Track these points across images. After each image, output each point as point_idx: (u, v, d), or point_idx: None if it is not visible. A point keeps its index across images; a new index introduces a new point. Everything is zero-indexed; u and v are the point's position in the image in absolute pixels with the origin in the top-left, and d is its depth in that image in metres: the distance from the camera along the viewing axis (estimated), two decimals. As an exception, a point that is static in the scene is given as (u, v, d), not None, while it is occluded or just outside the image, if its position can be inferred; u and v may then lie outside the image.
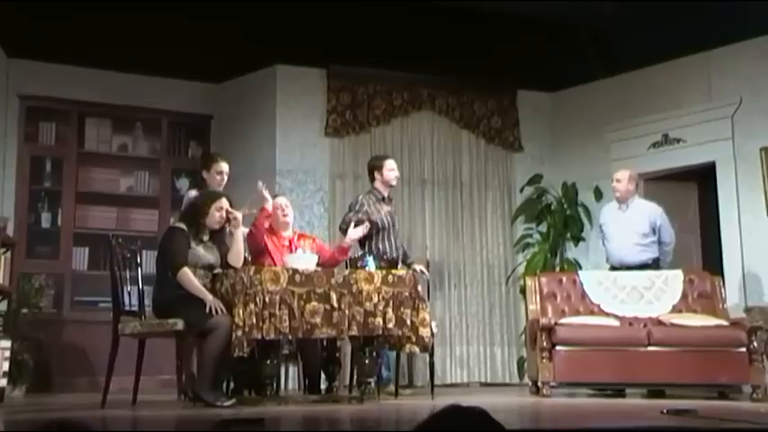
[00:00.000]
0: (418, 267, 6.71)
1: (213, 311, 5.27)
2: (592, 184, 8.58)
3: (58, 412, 4.96)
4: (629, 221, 7.17)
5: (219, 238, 5.68)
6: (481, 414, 2.08)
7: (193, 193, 6.26)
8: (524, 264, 8.62)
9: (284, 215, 6.32)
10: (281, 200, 6.47)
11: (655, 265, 7.11)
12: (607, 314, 6.80)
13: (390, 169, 6.90)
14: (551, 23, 7.95)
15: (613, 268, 7.24)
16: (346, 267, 6.23)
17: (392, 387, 6.46)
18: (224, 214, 5.61)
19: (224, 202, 5.64)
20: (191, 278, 5.39)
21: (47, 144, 8.05)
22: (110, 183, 8.27)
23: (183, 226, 5.58)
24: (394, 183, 6.96)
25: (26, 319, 7.04)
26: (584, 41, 8.36)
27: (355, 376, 6.05)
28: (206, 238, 5.61)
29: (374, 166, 6.97)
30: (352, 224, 6.42)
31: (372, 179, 6.95)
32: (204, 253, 5.55)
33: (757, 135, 7.57)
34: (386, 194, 6.90)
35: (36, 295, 7.23)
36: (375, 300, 5.61)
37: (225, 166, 6.23)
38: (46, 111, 8.01)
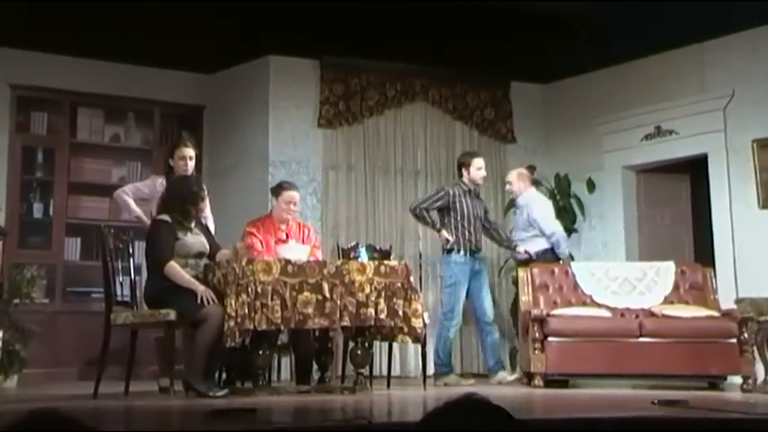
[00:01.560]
0: (522, 249, 7.30)
1: (205, 302, 5.27)
2: (584, 175, 8.58)
3: (49, 402, 4.95)
4: (515, 219, 7.58)
5: (201, 224, 5.71)
6: (497, 407, 2.07)
7: (160, 180, 6.15)
8: (517, 255, 8.61)
9: (290, 211, 6.20)
10: (295, 195, 6.28)
11: (547, 256, 7.27)
12: (599, 305, 6.83)
13: (478, 168, 7.17)
14: (545, 15, 7.93)
15: None
16: (339, 258, 6.22)
17: (501, 374, 6.98)
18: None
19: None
20: (178, 271, 5.37)
21: (38, 134, 8.02)
22: (102, 173, 8.23)
23: (166, 218, 5.53)
24: (480, 181, 7.26)
25: (18, 310, 7.02)
26: (578, 33, 8.35)
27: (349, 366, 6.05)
28: (193, 224, 5.60)
29: (462, 163, 7.24)
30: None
31: (460, 174, 7.21)
32: (194, 241, 5.53)
33: (749, 127, 7.57)
34: (471, 188, 7.16)
35: (28, 285, 7.19)
36: (367, 290, 5.61)
37: (188, 152, 6.10)
38: (38, 100, 7.97)
